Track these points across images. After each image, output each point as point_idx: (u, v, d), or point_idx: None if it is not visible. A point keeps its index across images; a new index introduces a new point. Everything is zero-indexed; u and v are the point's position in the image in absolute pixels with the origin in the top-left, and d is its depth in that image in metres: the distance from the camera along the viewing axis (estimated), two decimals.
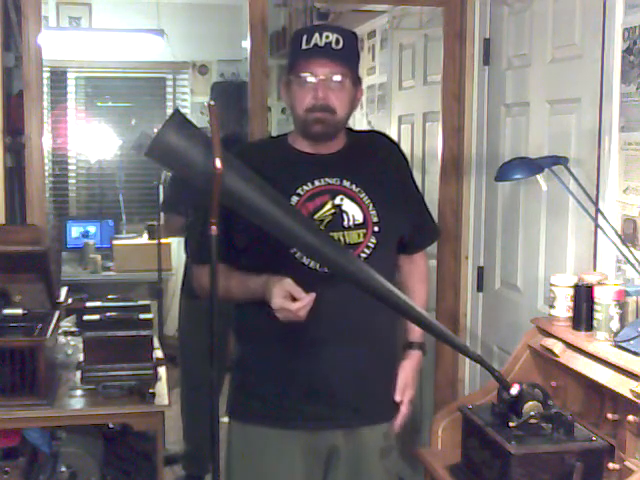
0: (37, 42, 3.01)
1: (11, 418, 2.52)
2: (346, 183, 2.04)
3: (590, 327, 2.13)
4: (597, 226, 2.36)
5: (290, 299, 1.85)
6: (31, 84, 3.02)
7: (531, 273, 2.86)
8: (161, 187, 4.40)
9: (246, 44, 3.25)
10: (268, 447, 2.05)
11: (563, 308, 2.23)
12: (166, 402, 2.60)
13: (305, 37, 1.96)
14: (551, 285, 2.28)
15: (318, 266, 1.97)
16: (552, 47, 2.72)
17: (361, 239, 2.02)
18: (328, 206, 2.01)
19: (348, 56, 1.99)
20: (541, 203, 2.76)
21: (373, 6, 4.00)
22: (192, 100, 6.35)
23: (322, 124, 1.98)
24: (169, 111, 6.27)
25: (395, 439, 2.16)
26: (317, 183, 2.02)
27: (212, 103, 1.74)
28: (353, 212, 2.02)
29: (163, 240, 4.50)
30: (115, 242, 5.67)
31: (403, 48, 3.98)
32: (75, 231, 5.81)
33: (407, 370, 2.15)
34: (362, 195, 2.04)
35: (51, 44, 4.11)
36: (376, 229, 2.03)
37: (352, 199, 2.03)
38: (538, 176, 2.33)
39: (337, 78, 1.96)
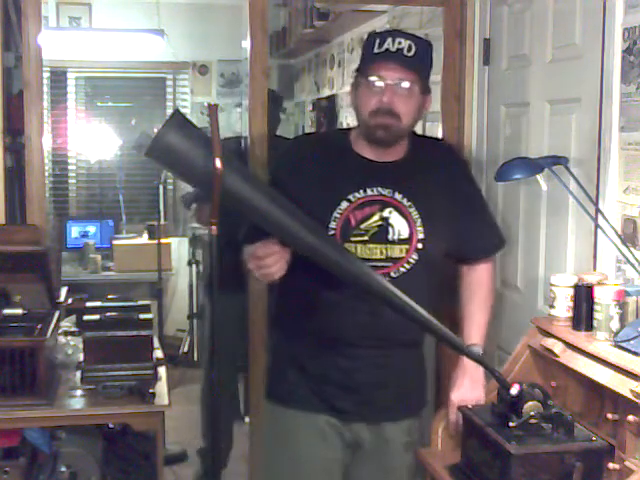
0: (37, 42, 3.01)
1: (11, 418, 2.52)
2: (398, 196, 2.04)
3: (590, 327, 2.13)
4: (597, 226, 2.36)
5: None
6: (31, 84, 3.01)
7: (531, 273, 2.86)
8: (161, 187, 4.40)
9: (246, 44, 3.25)
10: (301, 426, 2.10)
11: (563, 308, 2.23)
12: (166, 402, 2.60)
13: (378, 41, 1.97)
14: (551, 285, 2.28)
15: None
16: (552, 47, 2.72)
17: (403, 254, 2.03)
18: (375, 217, 2.02)
19: (419, 64, 2.00)
20: (541, 203, 2.76)
21: (373, 6, 4.00)
22: (192, 100, 6.36)
23: (385, 130, 1.98)
24: (169, 111, 6.27)
25: (418, 434, 2.20)
26: (369, 192, 2.03)
27: (212, 103, 1.75)
28: (399, 227, 2.03)
29: (163, 240, 4.50)
30: (115, 242, 5.67)
31: None
32: (75, 231, 5.81)
33: (454, 389, 2.17)
34: (412, 210, 2.04)
35: (51, 44, 4.11)
36: (420, 246, 2.04)
37: (401, 213, 2.03)
38: (538, 176, 2.33)
39: (405, 84, 1.97)
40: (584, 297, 2.16)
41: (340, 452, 2.13)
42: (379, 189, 2.04)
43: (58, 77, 6.15)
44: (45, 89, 5.71)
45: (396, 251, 2.02)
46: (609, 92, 2.36)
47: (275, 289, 2.15)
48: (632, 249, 2.21)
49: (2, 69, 3.05)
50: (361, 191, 2.02)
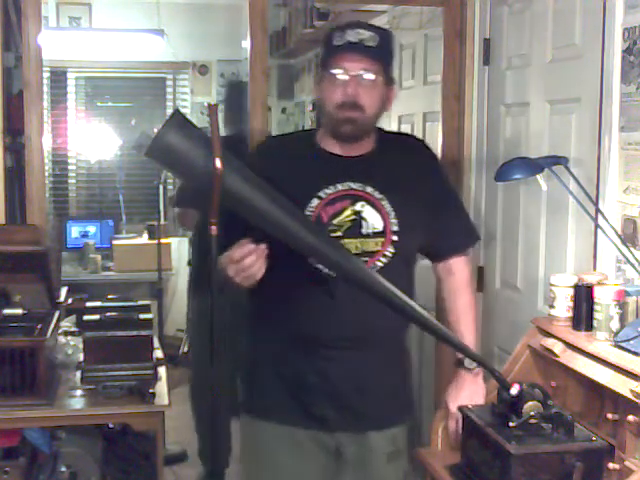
0: (37, 42, 3.01)
1: (11, 418, 2.52)
2: (369, 189, 2.00)
3: (590, 327, 2.13)
4: (597, 226, 2.36)
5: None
6: (31, 84, 3.02)
7: (531, 273, 2.86)
8: (161, 187, 4.41)
9: (246, 44, 3.25)
10: (280, 441, 2.05)
11: (563, 308, 2.23)
12: (166, 402, 2.60)
13: (338, 33, 1.94)
14: (551, 285, 2.28)
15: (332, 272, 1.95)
16: (552, 47, 2.72)
17: (378, 247, 1.99)
18: (348, 212, 1.99)
19: (381, 54, 1.95)
20: (541, 203, 2.76)
21: (373, 6, 4.00)
22: (192, 100, 6.36)
23: (351, 124, 1.95)
24: (169, 111, 6.27)
25: (404, 443, 2.16)
26: (340, 187, 1.99)
27: (212, 103, 1.75)
28: (373, 220, 2.00)
29: (163, 240, 4.50)
30: (115, 242, 5.67)
31: (403, 48, 3.98)
32: (75, 231, 5.81)
33: (452, 400, 2.15)
34: (384, 202, 2.01)
35: (51, 44, 4.11)
36: (395, 238, 2.00)
37: (373, 206, 2.00)
38: (538, 176, 2.33)
39: (368, 75, 1.93)
40: (584, 297, 2.16)
41: (322, 465, 2.07)
42: (349, 183, 2.00)
43: (58, 77, 6.14)
44: (45, 89, 5.70)
45: (371, 245, 1.99)
46: (609, 92, 2.36)
47: (253, 293, 2.03)
48: (632, 249, 2.21)
49: (2, 69, 3.05)
50: (331, 187, 1.99)
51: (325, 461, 2.08)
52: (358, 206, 1.99)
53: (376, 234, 2.00)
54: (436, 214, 2.10)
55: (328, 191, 1.99)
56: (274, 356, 2.06)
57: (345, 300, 1.97)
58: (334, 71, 1.93)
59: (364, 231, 1.99)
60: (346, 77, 1.92)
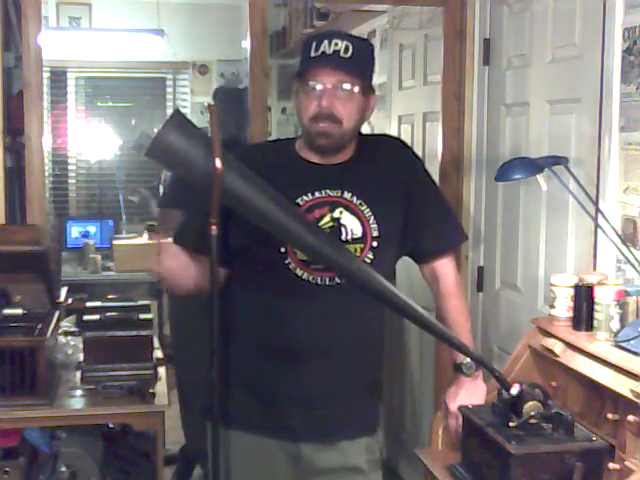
0: (37, 42, 3.01)
1: (11, 418, 2.52)
2: (347, 195, 1.98)
3: (590, 327, 2.13)
4: (597, 226, 2.36)
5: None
6: (31, 84, 3.02)
7: (531, 273, 2.86)
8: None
9: (246, 44, 3.26)
10: (250, 452, 2.02)
11: (563, 308, 2.23)
12: (166, 402, 2.61)
13: (314, 44, 1.92)
14: (551, 285, 2.28)
15: (311, 278, 1.94)
16: (552, 47, 2.72)
17: (358, 254, 1.97)
18: (326, 219, 1.97)
19: (357, 64, 1.92)
20: (541, 203, 2.76)
21: (373, 6, 4.00)
22: (192, 100, 6.37)
23: (327, 137, 1.92)
24: (169, 111, 6.28)
25: (379, 453, 2.13)
26: (317, 194, 1.97)
27: (212, 103, 1.75)
28: (352, 226, 1.97)
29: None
30: (115, 242, 5.66)
31: (403, 48, 3.98)
32: (75, 231, 5.81)
33: (451, 400, 2.14)
34: (363, 207, 1.98)
35: (51, 44, 4.11)
36: (374, 244, 1.98)
37: (352, 212, 1.98)
38: (538, 176, 2.33)
39: (345, 86, 1.90)
40: (584, 297, 2.16)
41: (294, 477, 2.03)
42: (327, 191, 1.98)
43: (58, 77, 6.15)
44: (45, 89, 5.71)
45: (351, 251, 1.95)
46: (609, 92, 2.36)
47: (224, 304, 1.93)
48: (632, 249, 2.21)
49: (2, 69, 3.05)
50: (309, 194, 1.97)
51: (297, 473, 2.03)
52: (336, 213, 1.97)
53: (355, 240, 1.97)
54: (417, 217, 2.07)
55: (306, 198, 1.97)
56: (246, 365, 2.02)
57: (322, 308, 1.95)
58: (310, 83, 1.91)
59: (344, 237, 1.97)
60: (320, 88, 1.90)
